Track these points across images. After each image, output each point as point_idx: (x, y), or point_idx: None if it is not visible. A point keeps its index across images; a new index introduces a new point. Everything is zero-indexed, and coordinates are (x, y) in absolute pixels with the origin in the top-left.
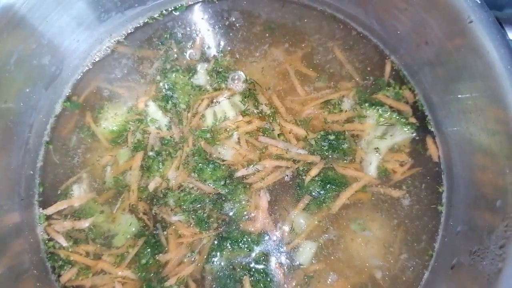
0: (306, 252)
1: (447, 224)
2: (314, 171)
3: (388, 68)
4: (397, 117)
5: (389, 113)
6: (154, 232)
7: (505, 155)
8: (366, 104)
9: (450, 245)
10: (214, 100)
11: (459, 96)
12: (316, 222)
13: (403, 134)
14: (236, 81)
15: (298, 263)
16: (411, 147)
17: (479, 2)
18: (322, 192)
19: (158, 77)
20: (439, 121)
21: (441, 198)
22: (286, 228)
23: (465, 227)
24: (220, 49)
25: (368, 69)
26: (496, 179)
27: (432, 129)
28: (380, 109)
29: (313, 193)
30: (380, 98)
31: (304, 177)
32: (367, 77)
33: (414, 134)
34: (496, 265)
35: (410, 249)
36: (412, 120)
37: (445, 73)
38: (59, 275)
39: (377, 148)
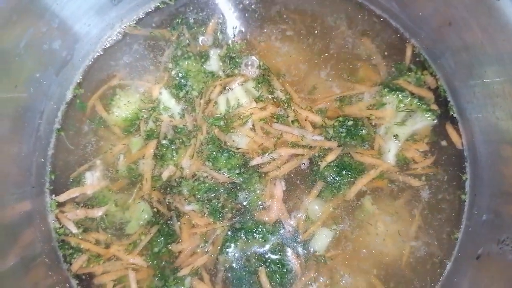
0: (322, 239)
1: (471, 213)
2: (330, 157)
3: (408, 52)
4: (418, 103)
5: (409, 98)
6: (168, 221)
7: None
8: (386, 90)
9: (474, 234)
10: (227, 87)
11: (485, 80)
12: (332, 209)
13: (424, 121)
14: (249, 67)
15: (314, 251)
16: (433, 135)
17: None
18: (337, 178)
19: (170, 64)
20: (462, 107)
21: (464, 187)
22: (302, 216)
23: (491, 215)
24: (234, 34)
25: (387, 53)
26: None
27: (455, 115)
28: (400, 95)
29: (328, 179)
30: (401, 83)
31: (320, 163)
32: (387, 62)
33: (435, 121)
34: None
35: (431, 238)
36: (434, 107)
37: (470, 56)
38: (71, 264)
39: (396, 135)
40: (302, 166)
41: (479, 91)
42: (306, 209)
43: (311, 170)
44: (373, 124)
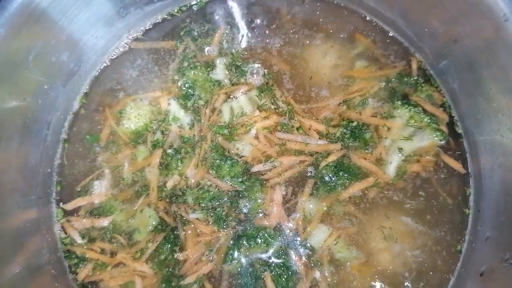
0: (319, 236)
1: (475, 229)
2: (332, 157)
3: (414, 67)
4: (429, 121)
5: (421, 115)
6: (175, 231)
7: None
8: (399, 102)
9: (478, 250)
10: (232, 96)
11: (490, 98)
12: (325, 208)
13: (431, 140)
14: (255, 76)
15: (315, 249)
16: (437, 152)
17: None
18: (334, 178)
19: (177, 75)
20: (467, 122)
21: (468, 201)
22: (301, 218)
23: (496, 232)
24: (239, 44)
25: (392, 67)
26: None
27: (460, 131)
28: (412, 110)
29: (326, 178)
30: (416, 99)
31: (320, 163)
32: (392, 75)
33: (442, 142)
34: None
35: (434, 252)
36: (444, 128)
37: (475, 73)
38: (77, 273)
39: (401, 148)
40: (306, 174)
41: (484, 108)
42: (303, 209)
43: (311, 173)
44: (380, 135)
